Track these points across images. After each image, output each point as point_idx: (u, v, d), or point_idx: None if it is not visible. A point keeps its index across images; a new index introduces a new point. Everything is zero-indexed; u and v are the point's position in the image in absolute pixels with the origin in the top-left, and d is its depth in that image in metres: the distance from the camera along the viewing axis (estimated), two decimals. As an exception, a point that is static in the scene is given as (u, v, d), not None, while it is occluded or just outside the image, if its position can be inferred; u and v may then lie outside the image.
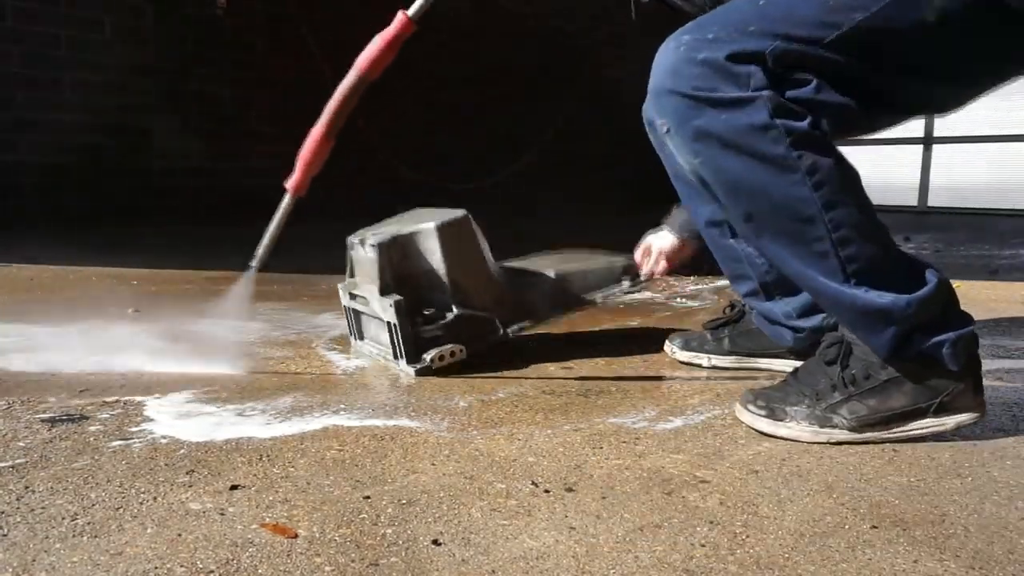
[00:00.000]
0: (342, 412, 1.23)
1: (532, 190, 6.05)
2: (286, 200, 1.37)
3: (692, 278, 2.83)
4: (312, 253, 2.83)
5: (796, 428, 1.14)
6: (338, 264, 1.69)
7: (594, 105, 6.60)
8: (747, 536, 0.84)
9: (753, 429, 1.18)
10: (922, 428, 1.13)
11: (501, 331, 1.55)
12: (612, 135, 6.99)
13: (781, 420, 1.15)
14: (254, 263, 1.42)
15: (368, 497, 0.92)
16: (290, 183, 1.36)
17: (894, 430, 1.13)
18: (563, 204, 5.81)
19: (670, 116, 1.13)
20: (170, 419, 1.17)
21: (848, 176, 1.11)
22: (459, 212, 1.52)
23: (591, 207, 5.80)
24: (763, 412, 1.17)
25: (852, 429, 1.12)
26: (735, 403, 1.23)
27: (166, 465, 1.00)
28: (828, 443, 1.13)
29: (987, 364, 1.59)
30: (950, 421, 1.13)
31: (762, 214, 1.12)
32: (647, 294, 2.50)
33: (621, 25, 6.71)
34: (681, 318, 2.12)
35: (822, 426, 1.13)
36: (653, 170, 1.42)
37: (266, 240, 1.40)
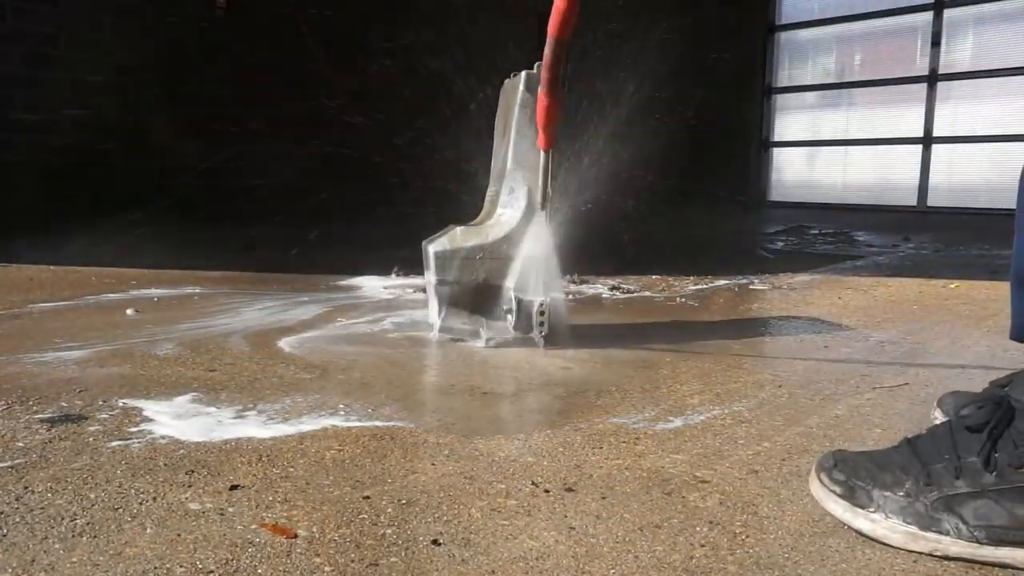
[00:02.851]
0: (342, 412, 1.23)
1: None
2: (542, 155, 1.66)
3: (692, 277, 2.83)
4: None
5: (882, 523, 0.82)
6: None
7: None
8: (747, 536, 0.84)
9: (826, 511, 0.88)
10: None
11: None
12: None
13: (862, 507, 0.83)
14: (539, 201, 1.69)
15: (368, 497, 0.91)
16: (539, 142, 1.65)
17: None
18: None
19: None
20: (169, 419, 1.17)
21: None
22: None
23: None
24: (838, 489, 0.85)
25: (976, 541, 0.78)
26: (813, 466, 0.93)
27: (165, 465, 0.99)
28: (932, 556, 0.80)
29: (989, 363, 1.59)
30: None
31: None
32: (647, 293, 2.50)
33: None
34: (680, 317, 2.11)
35: (924, 528, 0.80)
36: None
37: (540, 187, 1.68)
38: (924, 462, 0.83)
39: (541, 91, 1.58)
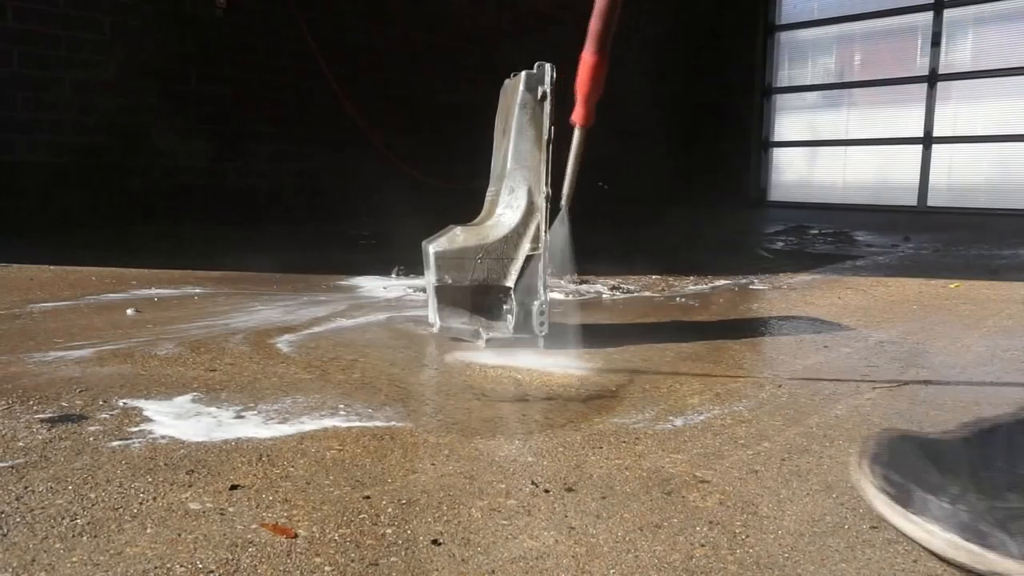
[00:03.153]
0: (342, 412, 1.23)
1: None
2: (576, 134, 1.36)
3: (692, 277, 2.83)
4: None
5: (923, 527, 0.77)
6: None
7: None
8: (747, 536, 0.84)
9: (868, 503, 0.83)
10: None
11: None
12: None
13: (905, 506, 0.78)
14: (563, 202, 1.45)
15: (368, 497, 0.92)
16: (576, 117, 1.34)
17: None
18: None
19: None
20: (170, 419, 1.17)
21: None
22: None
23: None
24: (881, 483, 0.81)
25: None
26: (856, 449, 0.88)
27: (166, 465, 0.99)
28: (973, 570, 0.74)
29: (989, 363, 1.59)
30: None
31: None
32: (647, 293, 2.50)
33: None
34: (680, 317, 2.11)
35: (967, 539, 0.74)
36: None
37: (568, 177, 1.41)
38: (975, 467, 0.77)
39: (587, 47, 1.26)
